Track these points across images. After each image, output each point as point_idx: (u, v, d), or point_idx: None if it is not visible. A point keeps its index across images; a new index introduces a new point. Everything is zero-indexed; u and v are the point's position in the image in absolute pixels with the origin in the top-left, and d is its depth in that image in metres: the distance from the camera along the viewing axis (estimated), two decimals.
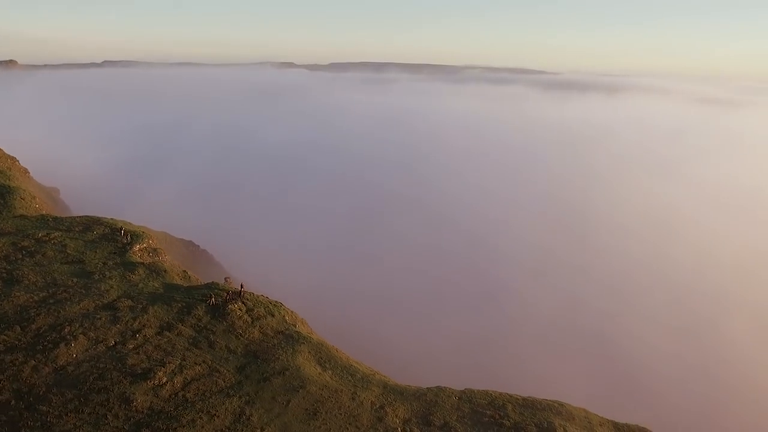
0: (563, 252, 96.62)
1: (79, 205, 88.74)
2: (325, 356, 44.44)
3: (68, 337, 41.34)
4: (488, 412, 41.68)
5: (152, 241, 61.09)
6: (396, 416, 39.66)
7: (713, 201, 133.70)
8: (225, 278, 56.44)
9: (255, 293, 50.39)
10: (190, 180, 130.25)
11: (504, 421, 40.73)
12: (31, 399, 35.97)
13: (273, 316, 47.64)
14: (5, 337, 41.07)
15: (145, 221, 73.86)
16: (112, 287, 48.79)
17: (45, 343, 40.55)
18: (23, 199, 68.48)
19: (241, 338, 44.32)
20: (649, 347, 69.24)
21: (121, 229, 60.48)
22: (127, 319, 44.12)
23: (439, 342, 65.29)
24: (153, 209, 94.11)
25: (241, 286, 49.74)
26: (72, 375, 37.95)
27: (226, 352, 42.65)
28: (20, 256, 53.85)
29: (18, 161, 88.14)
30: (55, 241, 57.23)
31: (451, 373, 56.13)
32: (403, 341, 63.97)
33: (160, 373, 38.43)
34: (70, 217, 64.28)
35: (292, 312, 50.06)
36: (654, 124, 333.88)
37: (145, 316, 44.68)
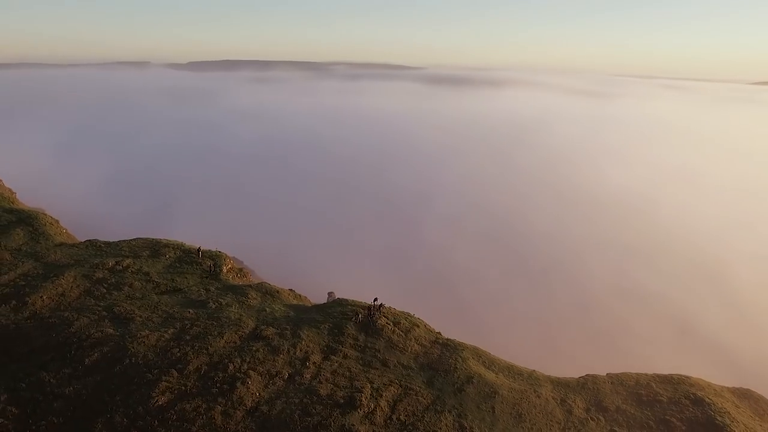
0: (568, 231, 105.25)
1: (72, 228, 77.43)
2: (487, 360, 45.16)
3: (238, 374, 37.81)
4: (642, 391, 45.40)
5: (232, 261, 56.40)
6: (578, 407, 41.84)
7: (653, 177, 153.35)
8: (329, 293, 54.24)
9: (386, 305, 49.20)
10: (172, 192, 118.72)
11: (660, 398, 44.64)
12: None
13: (418, 326, 47.12)
14: (167, 384, 36.51)
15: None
16: (241, 315, 44.86)
17: (219, 385, 36.76)
18: (52, 224, 59.03)
19: (406, 353, 43.47)
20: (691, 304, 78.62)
21: (198, 250, 54.94)
22: (285, 347, 41.16)
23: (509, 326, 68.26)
24: (156, 224, 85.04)
25: (375, 300, 48.32)
26: (273, 416, 35.03)
27: (402, 368, 41.69)
28: (104, 290, 47.16)
29: (2, 181, 74.43)
30: (132, 270, 50.72)
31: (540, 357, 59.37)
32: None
33: (364, 400, 36.85)
34: (125, 241, 56.76)
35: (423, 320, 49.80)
36: (556, 115, 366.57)
37: (303, 342, 42.00)
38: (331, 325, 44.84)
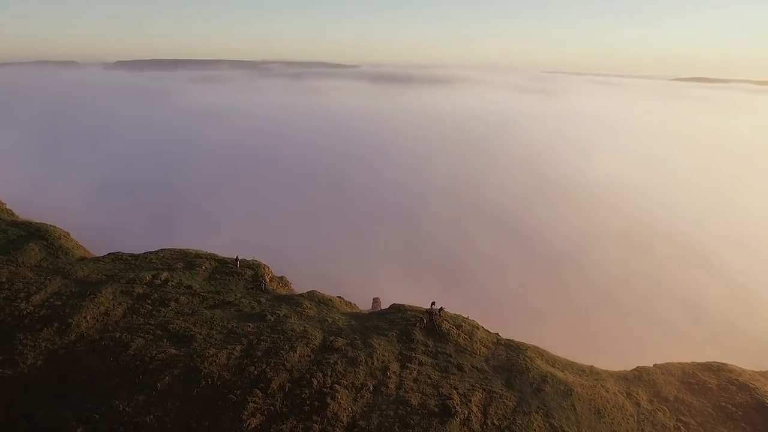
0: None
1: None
2: (550, 358, 45.88)
3: (325, 390, 36.52)
4: (691, 380, 47.62)
5: (271, 270, 54.12)
6: (643, 399, 43.36)
7: (624, 170, 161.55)
8: (374, 299, 53.29)
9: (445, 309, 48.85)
10: (160, 197, 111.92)
11: (709, 386, 46.98)
12: None
13: (478, 329, 47.21)
14: (254, 405, 34.73)
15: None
16: (305, 327, 43.19)
17: (309, 402, 35.33)
18: (66, 238, 54.22)
19: (475, 356, 43.46)
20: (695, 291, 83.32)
21: (236, 259, 52.28)
22: (362, 358, 40.10)
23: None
24: (156, 231, 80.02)
25: (432, 304, 47.84)
26: (372, 430, 34.03)
27: (477, 372, 41.64)
28: (150, 307, 44.06)
29: None
30: (173, 284, 47.68)
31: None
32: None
33: (457, 407, 36.52)
34: (152, 253, 53.07)
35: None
36: (515, 112, 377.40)
37: (378, 352, 41.08)
38: (398, 332, 44.11)
